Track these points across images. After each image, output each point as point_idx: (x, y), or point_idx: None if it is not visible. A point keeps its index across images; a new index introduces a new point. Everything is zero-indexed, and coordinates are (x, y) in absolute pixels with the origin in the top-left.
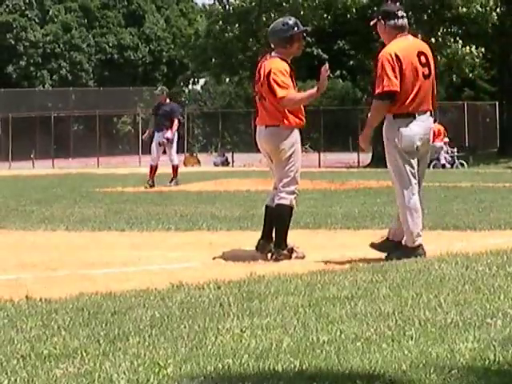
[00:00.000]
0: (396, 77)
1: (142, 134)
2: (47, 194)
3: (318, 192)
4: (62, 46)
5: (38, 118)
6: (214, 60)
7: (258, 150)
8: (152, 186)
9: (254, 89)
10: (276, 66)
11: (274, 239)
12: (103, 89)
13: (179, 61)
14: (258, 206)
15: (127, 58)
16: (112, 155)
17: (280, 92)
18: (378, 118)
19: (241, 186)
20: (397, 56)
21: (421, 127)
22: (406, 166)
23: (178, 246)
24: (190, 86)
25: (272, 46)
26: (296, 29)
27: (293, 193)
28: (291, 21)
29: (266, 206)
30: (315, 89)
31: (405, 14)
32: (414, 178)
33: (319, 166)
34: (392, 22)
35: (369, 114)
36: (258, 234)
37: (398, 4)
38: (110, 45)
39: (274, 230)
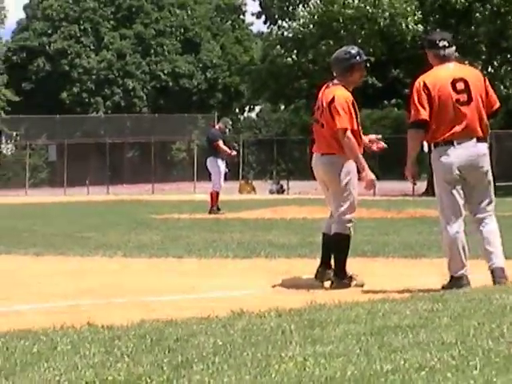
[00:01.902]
0: (423, 106)
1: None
2: (103, 221)
3: (375, 220)
4: (115, 72)
5: (93, 144)
6: (269, 85)
7: (314, 178)
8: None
9: (312, 116)
10: (340, 93)
11: (333, 267)
12: (158, 115)
13: (235, 88)
14: (315, 233)
15: (182, 86)
16: (166, 182)
17: (339, 123)
18: (413, 147)
19: (297, 214)
20: (425, 84)
21: (461, 154)
22: (446, 195)
23: (237, 274)
24: (246, 114)
25: (334, 74)
26: (358, 58)
27: (349, 221)
28: (354, 50)
29: (323, 234)
30: (366, 174)
31: (447, 44)
32: (456, 210)
33: (374, 195)
34: (432, 51)
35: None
36: (317, 262)
37: (443, 32)
38: (165, 72)
39: (332, 257)
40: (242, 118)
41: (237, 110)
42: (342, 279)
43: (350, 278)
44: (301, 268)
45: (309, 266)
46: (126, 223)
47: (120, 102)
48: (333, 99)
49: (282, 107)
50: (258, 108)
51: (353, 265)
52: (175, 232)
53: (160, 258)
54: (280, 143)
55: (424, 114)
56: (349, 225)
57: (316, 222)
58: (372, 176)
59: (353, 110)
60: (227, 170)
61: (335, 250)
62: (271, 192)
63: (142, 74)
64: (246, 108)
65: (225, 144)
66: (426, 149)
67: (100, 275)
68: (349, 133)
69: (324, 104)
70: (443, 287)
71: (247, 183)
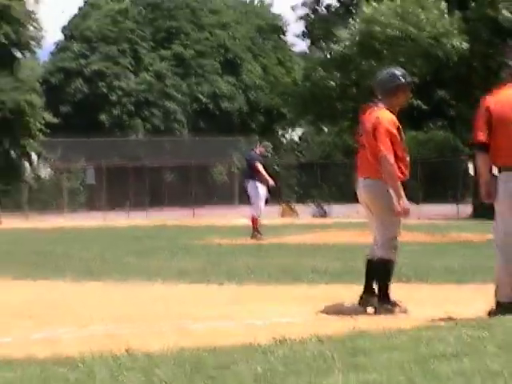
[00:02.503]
0: (482, 127)
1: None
2: (143, 246)
3: (419, 244)
4: (155, 94)
5: (132, 167)
6: (311, 108)
7: (356, 201)
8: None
9: (356, 140)
10: (384, 116)
11: (376, 293)
12: (198, 138)
13: (276, 110)
14: (357, 258)
15: (222, 108)
16: (207, 205)
17: (383, 148)
18: (480, 169)
19: (340, 239)
20: (487, 107)
21: None
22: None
23: (279, 300)
24: (288, 136)
25: (378, 96)
26: (403, 79)
27: (394, 246)
28: (398, 71)
29: (368, 260)
30: (402, 203)
31: None
32: None
33: (418, 218)
34: (506, 70)
35: None
36: (359, 288)
37: None
38: (205, 94)
39: (376, 283)
40: (284, 140)
41: (279, 133)
42: (385, 305)
43: (394, 304)
44: (343, 294)
45: (352, 292)
46: (166, 248)
47: (159, 124)
48: (377, 123)
49: (326, 130)
50: (300, 130)
51: (396, 291)
52: (216, 258)
53: (201, 284)
54: (323, 166)
55: (481, 136)
56: (393, 250)
57: (358, 246)
58: (408, 206)
59: (398, 135)
60: (268, 195)
61: (379, 276)
62: (314, 216)
63: (181, 95)
64: (289, 130)
65: (265, 169)
66: (494, 171)
67: (139, 302)
68: (391, 158)
69: (368, 128)
70: (489, 313)
71: (289, 207)
